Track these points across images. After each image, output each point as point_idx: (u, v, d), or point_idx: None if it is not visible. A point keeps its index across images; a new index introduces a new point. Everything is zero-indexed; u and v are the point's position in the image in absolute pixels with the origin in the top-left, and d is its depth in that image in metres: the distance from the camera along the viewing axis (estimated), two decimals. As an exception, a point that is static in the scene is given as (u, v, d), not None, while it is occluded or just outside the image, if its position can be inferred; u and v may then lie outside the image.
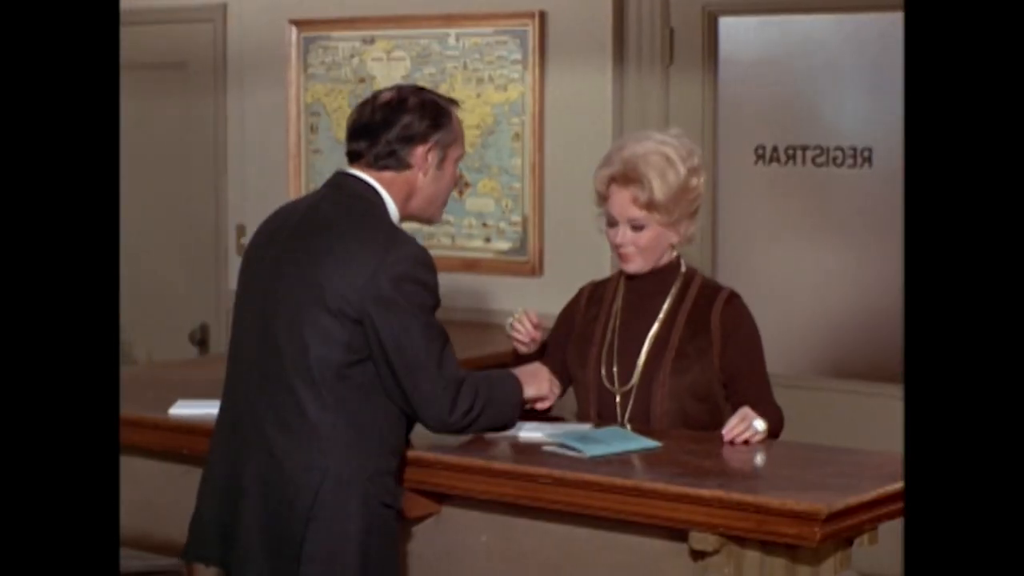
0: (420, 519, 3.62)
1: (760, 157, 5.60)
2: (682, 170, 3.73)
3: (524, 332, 3.84)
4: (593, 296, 3.95)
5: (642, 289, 3.84)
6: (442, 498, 3.59)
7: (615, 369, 3.80)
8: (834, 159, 5.46)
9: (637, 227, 3.75)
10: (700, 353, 3.73)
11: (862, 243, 5.43)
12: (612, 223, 3.79)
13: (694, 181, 3.76)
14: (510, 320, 3.88)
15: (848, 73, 5.49)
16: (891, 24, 5.07)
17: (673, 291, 3.81)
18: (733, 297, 3.81)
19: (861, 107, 5.49)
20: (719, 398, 3.77)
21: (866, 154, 5.39)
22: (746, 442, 3.55)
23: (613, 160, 3.77)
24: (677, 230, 3.76)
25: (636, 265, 3.79)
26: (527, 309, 3.88)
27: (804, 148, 5.52)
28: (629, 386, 3.77)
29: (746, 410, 3.59)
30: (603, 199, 3.80)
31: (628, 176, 3.72)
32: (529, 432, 3.62)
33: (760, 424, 3.56)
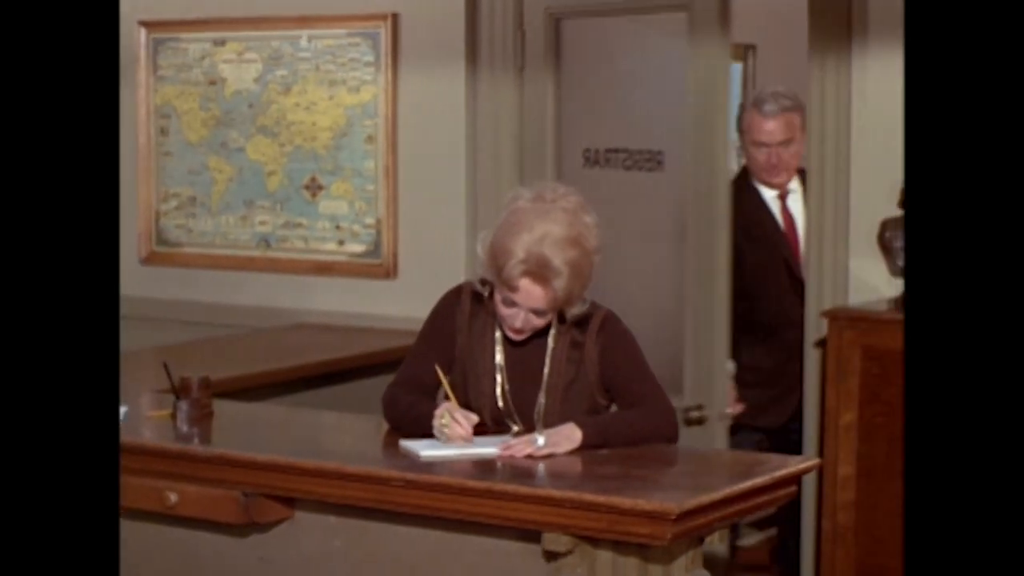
0: (272, 524, 3.59)
1: (587, 160, 5.65)
2: (594, 259, 3.65)
3: (454, 434, 3.59)
4: (476, 308, 3.78)
5: None
6: (294, 502, 3.57)
7: (512, 410, 3.73)
8: (636, 163, 5.50)
9: (540, 314, 3.65)
10: (584, 385, 3.69)
11: (658, 247, 5.44)
12: (511, 304, 3.63)
13: (596, 259, 3.67)
14: (444, 428, 3.59)
15: (645, 76, 5.54)
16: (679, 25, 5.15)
17: (554, 319, 3.74)
18: (606, 322, 3.73)
19: (654, 111, 5.54)
20: (602, 407, 3.73)
21: (660, 158, 5.44)
22: (530, 456, 3.50)
23: (529, 252, 3.56)
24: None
25: (523, 337, 3.71)
26: (466, 417, 3.62)
27: (617, 151, 5.55)
28: (525, 428, 3.69)
29: (533, 435, 3.56)
30: (509, 288, 3.61)
31: (545, 276, 3.57)
32: (431, 450, 3.54)
33: (541, 439, 3.53)
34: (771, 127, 5.20)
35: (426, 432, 3.61)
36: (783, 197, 5.28)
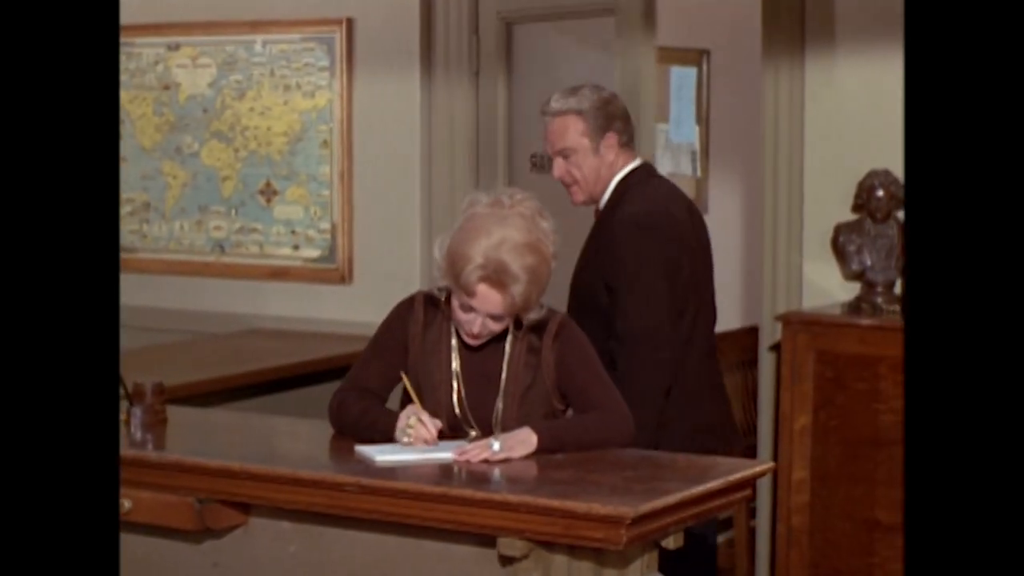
0: (226, 530, 3.58)
1: (534, 165, 5.66)
2: (552, 264, 3.63)
3: (419, 436, 3.58)
4: (429, 318, 3.75)
5: None
6: (248, 508, 3.55)
7: (469, 416, 3.72)
8: None
9: (497, 319, 3.63)
10: (540, 390, 3.69)
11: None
12: (468, 310, 3.61)
13: (553, 265, 3.65)
14: (409, 429, 3.57)
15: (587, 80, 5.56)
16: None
17: (510, 324, 3.72)
18: (562, 328, 3.72)
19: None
20: (558, 411, 3.73)
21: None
22: (486, 461, 3.50)
23: (487, 258, 3.54)
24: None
25: (480, 342, 3.69)
26: (433, 422, 3.59)
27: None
28: (482, 434, 3.68)
29: (489, 439, 3.55)
30: (466, 293, 3.57)
31: (503, 282, 3.55)
32: (387, 455, 3.52)
33: (497, 444, 3.52)
34: (546, 134, 4.21)
35: (377, 438, 3.60)
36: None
